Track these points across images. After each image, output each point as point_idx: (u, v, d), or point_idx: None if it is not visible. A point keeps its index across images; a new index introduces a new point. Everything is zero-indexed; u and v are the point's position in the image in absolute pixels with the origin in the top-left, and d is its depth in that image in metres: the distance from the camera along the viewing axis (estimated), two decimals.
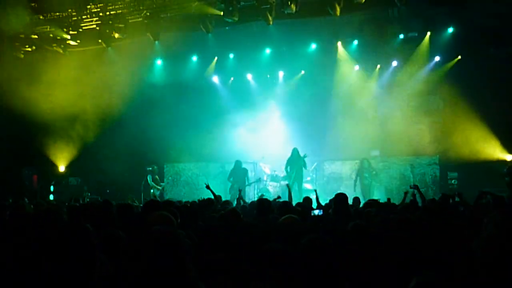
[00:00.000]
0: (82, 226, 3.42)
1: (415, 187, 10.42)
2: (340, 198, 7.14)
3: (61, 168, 18.93)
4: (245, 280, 3.65)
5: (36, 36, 15.94)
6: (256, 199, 13.42)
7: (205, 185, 11.36)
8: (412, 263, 4.25)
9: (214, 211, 8.12)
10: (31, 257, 3.51)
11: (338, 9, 13.39)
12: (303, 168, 16.33)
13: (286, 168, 16.54)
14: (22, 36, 15.66)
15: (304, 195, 15.50)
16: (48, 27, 15.83)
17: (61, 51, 16.21)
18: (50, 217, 4.17)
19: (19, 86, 17.59)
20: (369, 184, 16.30)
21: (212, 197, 10.37)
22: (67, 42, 15.81)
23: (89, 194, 17.49)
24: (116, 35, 15.43)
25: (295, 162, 16.27)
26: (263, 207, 6.72)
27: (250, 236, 4.94)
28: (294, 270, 3.37)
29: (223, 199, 11.85)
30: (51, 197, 17.54)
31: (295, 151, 16.38)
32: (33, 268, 3.39)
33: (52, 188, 18.05)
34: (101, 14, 15.46)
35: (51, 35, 15.94)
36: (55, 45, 15.99)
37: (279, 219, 6.10)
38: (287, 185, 10.83)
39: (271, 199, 10.82)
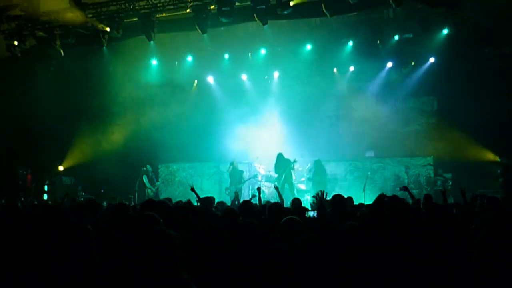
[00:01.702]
0: (82, 227, 3.43)
1: (405, 188, 10.38)
2: (337, 199, 7.15)
3: (55, 168, 18.87)
4: (241, 280, 3.65)
5: (34, 35, 15.85)
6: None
7: (190, 187, 10.97)
8: (409, 263, 4.26)
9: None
10: (31, 257, 3.49)
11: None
12: (291, 171, 16.40)
13: (275, 172, 16.62)
14: (18, 33, 15.56)
15: (299, 195, 15.58)
16: (44, 26, 15.77)
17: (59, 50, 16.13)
18: (56, 217, 4.14)
19: (14, 86, 17.57)
20: (313, 184, 16.33)
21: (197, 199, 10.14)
22: (63, 41, 15.72)
23: (83, 193, 17.48)
24: (111, 35, 15.40)
25: (283, 165, 16.30)
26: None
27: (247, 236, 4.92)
28: (291, 270, 3.36)
29: (217, 199, 11.81)
30: (45, 196, 17.50)
31: (279, 156, 16.44)
32: (33, 268, 3.38)
33: (46, 187, 18.00)
34: (96, 14, 15.41)
35: (47, 35, 15.87)
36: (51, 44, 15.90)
37: (266, 220, 6.11)
38: (275, 187, 10.80)
39: (265, 199, 10.84)
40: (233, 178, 16.79)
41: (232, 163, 17.21)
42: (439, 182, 16.66)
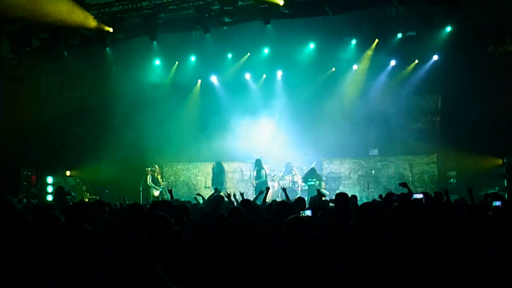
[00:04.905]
0: (80, 226, 3.44)
1: (404, 185, 10.22)
2: (339, 197, 7.17)
3: (60, 169, 18.86)
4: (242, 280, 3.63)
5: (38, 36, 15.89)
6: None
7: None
8: (414, 263, 4.25)
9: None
10: (30, 257, 3.50)
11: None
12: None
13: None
14: (21, 34, 15.59)
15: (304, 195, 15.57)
16: (47, 27, 15.80)
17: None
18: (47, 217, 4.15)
19: (18, 87, 17.60)
20: None
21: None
22: (67, 42, 15.74)
23: (87, 194, 17.49)
24: (114, 36, 15.43)
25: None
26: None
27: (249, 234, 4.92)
28: (296, 269, 3.36)
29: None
30: (50, 197, 17.51)
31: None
32: (32, 268, 3.39)
33: (51, 188, 18.00)
34: (99, 14, 15.44)
35: (50, 37, 15.90)
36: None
37: (274, 219, 6.10)
38: (283, 188, 10.85)
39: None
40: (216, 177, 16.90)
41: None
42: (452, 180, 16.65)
